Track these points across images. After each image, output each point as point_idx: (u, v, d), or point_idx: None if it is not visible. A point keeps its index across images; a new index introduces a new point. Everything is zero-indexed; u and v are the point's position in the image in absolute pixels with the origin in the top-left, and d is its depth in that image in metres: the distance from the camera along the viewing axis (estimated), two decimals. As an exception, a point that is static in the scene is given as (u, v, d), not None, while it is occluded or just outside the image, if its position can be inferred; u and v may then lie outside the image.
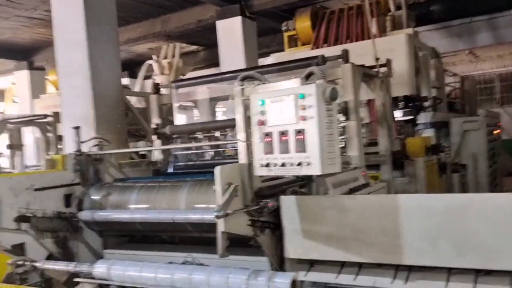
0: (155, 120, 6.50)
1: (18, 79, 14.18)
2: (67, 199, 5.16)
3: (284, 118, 3.08)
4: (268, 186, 3.66)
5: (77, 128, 5.46)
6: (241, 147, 3.42)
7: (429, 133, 8.59)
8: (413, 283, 3.19)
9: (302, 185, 4.08)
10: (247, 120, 3.37)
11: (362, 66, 5.66)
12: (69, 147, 5.76)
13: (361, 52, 7.02)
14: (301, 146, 3.02)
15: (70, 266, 4.35)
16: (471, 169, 8.37)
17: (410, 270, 3.27)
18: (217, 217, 3.09)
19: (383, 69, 6.07)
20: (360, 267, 3.45)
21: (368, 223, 3.26)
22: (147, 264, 4.22)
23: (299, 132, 3.02)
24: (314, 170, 3.00)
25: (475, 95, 14.03)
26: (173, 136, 6.28)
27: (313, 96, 2.95)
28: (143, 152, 7.48)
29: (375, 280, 3.31)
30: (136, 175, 5.87)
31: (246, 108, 3.36)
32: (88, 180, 5.31)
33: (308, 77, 3.21)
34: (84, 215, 4.88)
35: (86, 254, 5.25)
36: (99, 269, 4.37)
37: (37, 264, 4.48)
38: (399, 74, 7.72)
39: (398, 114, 8.22)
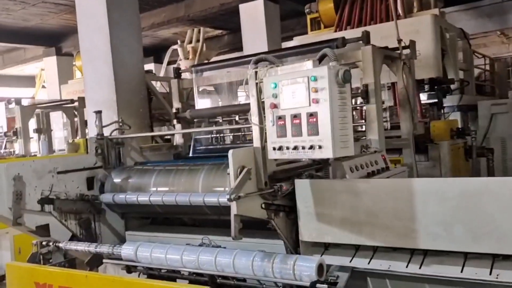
0: (176, 105, 6.56)
1: (47, 65, 14.49)
2: (90, 182, 5.27)
3: (296, 101, 3.06)
4: (282, 170, 3.65)
5: (98, 112, 5.55)
6: (255, 131, 3.41)
7: (456, 116, 8.40)
8: (428, 268, 3.16)
9: (318, 169, 4.06)
10: (261, 103, 3.36)
11: (384, 48, 5.55)
12: (92, 131, 5.86)
13: (386, 34, 6.90)
14: (313, 129, 2.99)
15: (91, 247, 4.45)
16: (498, 153, 8.14)
17: (426, 254, 3.23)
18: (229, 200, 3.10)
19: (405, 51, 5.92)
20: (375, 251, 3.43)
21: (382, 207, 3.23)
22: (173, 247, 4.14)
23: (311, 115, 2.99)
24: (326, 153, 2.97)
25: (506, 78, 13.60)
26: (194, 120, 6.34)
27: (325, 78, 2.91)
28: (167, 137, 7.58)
29: (390, 264, 3.28)
30: (157, 159, 5.95)
31: (260, 91, 3.34)
32: (109, 163, 5.41)
33: (321, 59, 3.17)
34: (105, 197, 4.98)
35: (108, 236, 5.38)
36: (126, 250, 4.35)
37: (60, 245, 4.61)
38: (424, 56, 7.56)
39: (423, 97, 8.07)
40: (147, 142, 6.73)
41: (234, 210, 3.24)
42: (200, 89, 6.60)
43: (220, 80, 5.92)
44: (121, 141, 5.54)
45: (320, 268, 3.22)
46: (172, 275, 4.19)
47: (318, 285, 3.16)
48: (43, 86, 16.18)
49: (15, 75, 20.13)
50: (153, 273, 4.28)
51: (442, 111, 7.93)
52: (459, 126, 7.17)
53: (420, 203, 3.08)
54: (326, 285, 3.16)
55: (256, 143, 3.40)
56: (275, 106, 3.17)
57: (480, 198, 2.87)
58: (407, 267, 3.20)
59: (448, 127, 6.86)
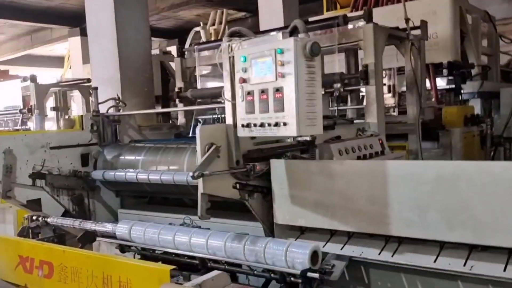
0: (178, 84, 6.48)
1: (72, 45, 14.69)
2: (84, 158, 5.27)
3: (264, 76, 2.90)
4: (258, 149, 3.51)
5: (94, 88, 5.53)
6: (227, 107, 3.27)
7: (476, 103, 7.99)
8: (401, 256, 2.97)
9: (305, 150, 3.90)
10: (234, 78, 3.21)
11: (391, 28, 5.29)
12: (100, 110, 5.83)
13: (402, 15, 6.56)
14: (279, 105, 2.83)
15: (76, 223, 4.43)
16: (519, 143, 7.70)
17: (401, 242, 3.04)
18: (193, 177, 2.99)
19: (415, 32, 5.62)
20: (350, 237, 3.26)
21: (356, 191, 3.05)
22: (167, 227, 3.92)
23: (277, 90, 2.83)
24: (290, 131, 2.81)
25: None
26: (197, 100, 6.24)
27: (291, 51, 2.74)
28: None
29: (362, 251, 3.11)
30: (157, 138, 5.90)
31: (233, 65, 3.19)
32: (105, 141, 5.39)
33: (292, 32, 2.98)
34: (96, 174, 4.96)
35: (102, 213, 5.38)
36: (120, 229, 4.09)
37: (48, 220, 4.62)
38: (442, 38, 7.20)
39: (442, 83, 7.71)
40: (151, 122, 6.70)
41: (200, 188, 3.13)
42: (204, 72, 6.51)
43: (220, 59, 5.77)
44: (117, 118, 5.50)
45: (315, 255, 2.99)
46: (165, 257, 3.88)
47: (309, 273, 2.93)
48: (71, 67, 16.44)
49: (46, 55, 20.56)
50: (145, 254, 4.04)
51: (460, 97, 7.54)
52: (475, 113, 6.78)
53: (394, 187, 2.88)
54: (318, 274, 2.92)
55: (228, 120, 3.27)
56: (244, 80, 3.02)
57: (456, 183, 2.66)
58: (379, 254, 3.02)
59: (461, 113, 6.52)
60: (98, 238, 4.64)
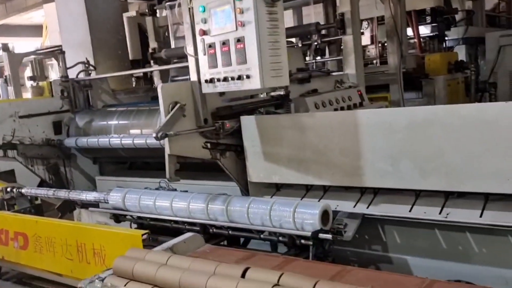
0: (152, 44, 6.25)
1: (47, 12, 14.15)
2: (57, 126, 5.11)
3: (224, 26, 2.72)
4: (228, 106, 3.36)
5: (61, 52, 5.31)
6: (191, 63, 3.10)
7: (461, 50, 7.82)
8: (376, 207, 2.89)
9: (279, 105, 3.76)
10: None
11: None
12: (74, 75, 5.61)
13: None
14: (241, 57, 2.67)
15: (50, 192, 4.32)
16: (506, 89, 7.58)
17: (376, 193, 2.96)
18: (156, 138, 2.85)
19: (393, -24, 5.40)
20: (325, 191, 3.17)
21: (328, 143, 2.93)
22: (163, 193, 3.62)
23: (239, 40, 2.66)
24: (254, 83, 2.66)
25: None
26: (172, 60, 6.02)
27: (250, -3, 2.55)
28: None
29: (337, 204, 3.02)
30: (133, 102, 5.72)
31: (193, 17, 3.00)
32: (77, 107, 5.21)
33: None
34: (69, 141, 4.82)
35: (80, 181, 5.27)
36: (113, 197, 3.80)
37: (23, 190, 4.49)
38: (424, -17, 6.96)
39: (426, 30, 7.50)
40: (127, 86, 6.50)
41: (167, 149, 3.00)
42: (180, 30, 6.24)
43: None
44: (88, 83, 5.30)
45: (325, 215, 2.76)
46: (163, 224, 3.58)
47: (321, 234, 2.71)
48: (48, 35, 15.94)
49: (24, 25, 19.91)
50: (142, 222, 3.72)
51: (444, 44, 7.36)
52: (459, 60, 6.62)
53: (366, 137, 2.77)
54: (331, 235, 2.71)
55: (193, 76, 3.10)
56: (204, 32, 2.85)
57: (428, 129, 2.55)
58: (354, 207, 2.94)
59: (445, 60, 6.36)
60: (91, 209, 4.47)
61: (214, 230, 3.24)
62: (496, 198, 2.56)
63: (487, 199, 2.57)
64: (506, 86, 7.67)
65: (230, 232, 3.16)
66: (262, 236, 3.02)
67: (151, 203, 3.55)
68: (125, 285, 2.32)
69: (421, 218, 2.69)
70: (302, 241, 2.79)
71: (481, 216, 2.51)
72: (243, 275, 2.14)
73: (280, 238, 2.91)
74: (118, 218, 3.87)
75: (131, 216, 3.75)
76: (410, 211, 2.74)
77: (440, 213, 2.64)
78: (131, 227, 3.82)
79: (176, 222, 3.46)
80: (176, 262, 2.35)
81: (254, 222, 2.99)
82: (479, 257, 2.65)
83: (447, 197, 2.70)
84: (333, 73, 4.83)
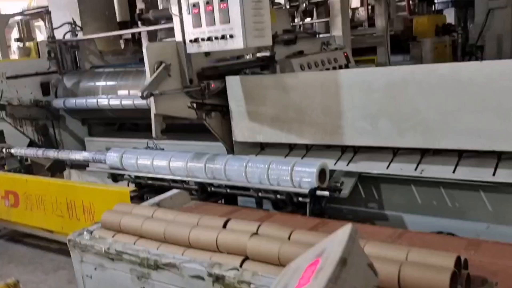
0: (139, 5, 6.17)
1: (33, -28, 13.83)
2: (45, 87, 5.12)
3: (208, -15, 2.74)
4: (214, 67, 3.41)
5: (48, 13, 5.26)
6: (176, 22, 3.12)
7: (450, 12, 7.82)
8: (356, 164, 3.00)
9: (264, 66, 3.80)
10: (181, -10, 3.03)
11: None
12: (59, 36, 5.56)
13: None
14: (225, 16, 2.71)
15: (40, 152, 4.38)
16: (493, 52, 7.63)
17: (356, 151, 3.06)
18: (141, 97, 2.91)
19: None
20: (308, 150, 3.27)
21: (310, 103, 3.01)
22: (160, 153, 3.59)
23: (222, 0, 2.69)
24: (237, 43, 2.71)
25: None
26: (160, 21, 5.97)
27: (234, -46, 2.56)
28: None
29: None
30: (121, 63, 5.72)
31: (179, -24, 3.00)
32: (65, 68, 5.21)
33: None
34: (57, 102, 4.85)
35: (69, 142, 5.33)
36: (110, 157, 3.78)
37: (12, 151, 4.56)
38: None
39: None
40: (115, 47, 6.46)
41: (153, 109, 3.06)
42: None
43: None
44: (75, 44, 5.29)
45: (322, 173, 2.81)
46: (161, 184, 3.57)
47: (319, 191, 2.76)
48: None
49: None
50: (139, 182, 3.69)
51: (433, 7, 7.36)
52: (447, 22, 6.64)
53: (346, 96, 2.85)
54: (328, 192, 2.76)
55: (178, 36, 3.13)
56: (188, -8, 2.86)
57: (406, 88, 2.62)
58: (335, 164, 3.04)
59: (432, 23, 6.38)
60: (88, 168, 4.46)
61: (213, 189, 3.27)
62: (469, 155, 2.67)
63: (460, 156, 2.67)
64: (493, 49, 7.71)
65: (228, 190, 3.20)
66: (260, 194, 3.05)
67: (149, 162, 3.55)
68: (112, 237, 2.42)
69: (398, 175, 2.80)
70: (300, 198, 2.85)
71: (454, 171, 2.62)
72: (224, 226, 2.25)
73: (278, 196, 2.96)
74: (116, 177, 3.87)
75: (129, 175, 3.74)
76: (387, 168, 2.84)
77: (415, 169, 2.75)
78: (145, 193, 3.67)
79: (174, 181, 3.47)
80: (161, 215, 2.46)
81: (252, 181, 3.03)
82: (451, 211, 2.78)
83: (423, 154, 2.81)
84: (320, 35, 4.85)
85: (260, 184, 3.00)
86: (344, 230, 0.87)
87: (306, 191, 2.77)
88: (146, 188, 3.68)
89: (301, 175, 2.81)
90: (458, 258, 1.66)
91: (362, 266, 0.83)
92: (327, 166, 2.84)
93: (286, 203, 2.95)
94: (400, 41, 6.32)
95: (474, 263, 1.89)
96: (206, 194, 3.31)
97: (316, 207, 2.81)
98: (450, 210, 2.78)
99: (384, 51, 5.58)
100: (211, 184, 3.26)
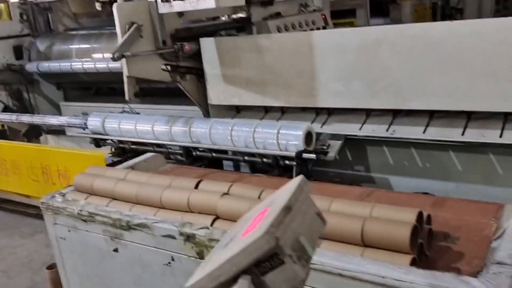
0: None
1: None
2: (18, 51, 5.01)
3: None
4: (187, 28, 3.35)
5: (17, -27, 5.09)
6: (147, -19, 3.04)
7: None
8: (329, 126, 3.02)
9: (240, 28, 3.75)
10: None
11: None
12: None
13: None
14: (196, -25, 2.64)
15: (13, 117, 4.32)
16: (473, 14, 7.62)
17: (330, 113, 3.07)
18: (113, 59, 2.86)
19: None
20: (283, 112, 3.28)
21: (285, 65, 2.99)
22: (144, 117, 3.52)
23: (193, -43, 2.62)
24: (209, 2, 2.66)
25: None
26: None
27: None
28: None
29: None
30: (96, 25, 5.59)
31: None
32: (38, 31, 5.09)
33: None
34: (30, 66, 4.75)
35: (45, 107, 5.26)
36: (92, 122, 3.69)
37: (-15, 116, 4.48)
38: None
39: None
40: (90, 9, 6.29)
41: (125, 71, 3.02)
42: None
43: None
44: (48, 6, 5.14)
45: (309, 136, 2.80)
46: (146, 148, 3.47)
47: (305, 155, 2.75)
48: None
49: None
50: (123, 147, 3.65)
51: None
52: (427, -16, 6.60)
53: (320, 58, 2.84)
54: (315, 155, 2.74)
55: (150, -4, 3.05)
56: None
57: (378, 49, 2.62)
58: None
59: (412, -15, 6.33)
60: (69, 133, 4.43)
61: (198, 153, 3.25)
62: (440, 115, 2.71)
63: (431, 116, 2.71)
64: (474, 12, 7.70)
65: (213, 154, 3.17)
66: (246, 158, 3.03)
67: (132, 127, 3.49)
68: (85, 199, 2.43)
69: (370, 136, 2.83)
70: (286, 162, 2.83)
71: (424, 132, 2.66)
72: (196, 187, 2.27)
73: (264, 160, 2.94)
74: (98, 142, 3.78)
75: (111, 140, 3.68)
76: (360, 129, 2.87)
77: (387, 130, 2.78)
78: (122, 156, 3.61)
79: (159, 145, 3.44)
80: (134, 177, 2.46)
81: (237, 144, 3.00)
82: (422, 171, 2.83)
83: (395, 115, 2.83)
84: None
85: (246, 147, 2.97)
86: (294, 181, 0.88)
87: (293, 154, 2.76)
88: (129, 154, 3.62)
89: (287, 138, 2.80)
90: (420, 214, 1.70)
91: (310, 214, 0.85)
92: (313, 128, 2.83)
93: (273, 166, 2.94)
94: (380, 3, 6.28)
95: (438, 219, 1.95)
96: (192, 158, 3.28)
97: (303, 170, 2.80)
98: (421, 170, 2.83)
99: (364, 13, 5.54)
100: (196, 148, 3.23)
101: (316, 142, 2.86)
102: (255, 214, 0.87)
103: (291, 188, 0.84)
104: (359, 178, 3.03)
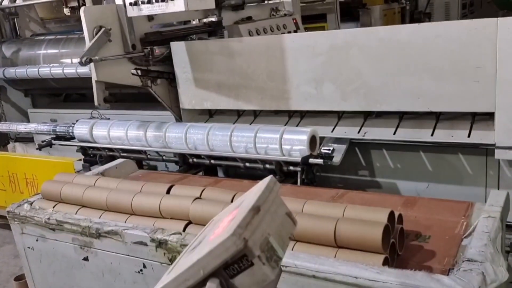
0: (82, -30, 5.90)
1: None
2: (-17, 57, 4.87)
3: None
4: (158, 32, 3.32)
5: (-20, -23, 4.95)
6: (116, -16, 3.00)
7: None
8: (302, 130, 3.01)
9: (212, 32, 3.73)
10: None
11: None
12: None
13: None
14: (165, -22, 2.62)
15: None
16: (441, 19, 7.80)
17: (303, 116, 3.08)
18: (81, 63, 2.80)
19: None
20: (256, 115, 3.27)
21: (256, 68, 2.99)
22: (135, 123, 3.30)
23: (161, -41, 2.60)
24: (178, 6, 2.63)
25: None
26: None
27: None
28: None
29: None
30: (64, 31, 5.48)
31: None
32: (3, 37, 4.96)
33: None
34: (-5, 73, 4.61)
35: (13, 114, 5.11)
36: (79, 129, 3.52)
37: (-51, 124, 4.33)
38: None
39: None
40: (58, 14, 6.18)
41: (94, 75, 2.96)
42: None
43: None
44: (14, 11, 5.02)
45: (313, 140, 2.69)
46: (138, 156, 3.34)
47: (312, 160, 2.65)
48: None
49: None
50: (113, 155, 3.42)
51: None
52: (396, -11, 6.71)
53: (291, 61, 2.84)
54: (322, 160, 2.65)
55: (119, -2, 3.01)
56: (126, -50, 2.74)
57: (348, 52, 2.64)
58: (282, 130, 3.04)
59: (382, -11, 6.43)
60: (56, 142, 4.16)
61: (194, 160, 3.11)
62: (409, 117, 2.74)
63: (401, 118, 2.74)
64: (441, 16, 7.89)
65: (211, 161, 3.03)
66: (247, 165, 2.90)
67: (123, 134, 3.29)
68: (53, 207, 2.36)
69: (343, 137, 2.84)
70: (291, 167, 2.74)
71: (394, 133, 2.69)
72: (168, 193, 2.24)
73: (267, 166, 2.82)
74: (86, 151, 3.56)
75: (102, 148, 3.46)
76: (332, 131, 2.88)
77: (358, 132, 2.80)
78: (99, 161, 3.49)
79: (139, 152, 3.30)
80: (104, 183, 2.41)
81: (237, 151, 2.87)
82: (394, 171, 2.86)
83: (366, 117, 2.86)
84: (269, 1, 4.79)
85: (246, 153, 2.85)
86: (263, 182, 0.87)
87: (298, 159, 2.66)
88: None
89: (291, 143, 2.69)
90: (392, 213, 1.71)
91: (279, 215, 0.83)
92: (317, 132, 2.74)
93: (275, 173, 2.79)
94: (350, 8, 6.35)
95: (409, 218, 1.98)
96: (188, 165, 3.16)
97: (309, 176, 2.72)
98: (392, 170, 2.86)
99: (334, 18, 5.59)
100: (192, 155, 3.10)
101: (319, 146, 2.75)
102: (224, 216, 0.85)
103: (260, 189, 0.83)
104: (331, 179, 3.04)
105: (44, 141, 3.61)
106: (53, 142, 3.63)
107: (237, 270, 0.71)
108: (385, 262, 1.57)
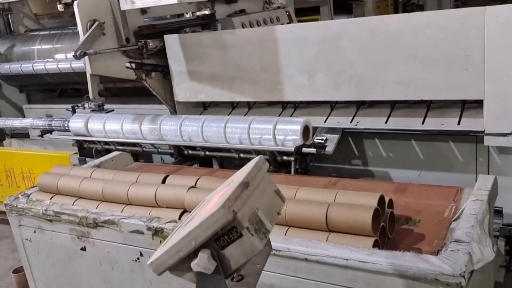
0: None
1: None
2: (-23, 53, 4.87)
3: None
4: (151, 25, 3.34)
5: (-28, -27, 4.95)
6: (109, -22, 3.02)
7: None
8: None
9: (205, 25, 3.76)
10: None
11: None
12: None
13: None
14: (157, -29, 2.64)
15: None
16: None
17: (296, 107, 3.12)
18: (75, 57, 2.83)
19: None
20: (250, 107, 3.30)
21: (249, 60, 3.02)
22: (129, 117, 3.29)
23: (154, -47, 2.62)
24: (171, -2, 2.66)
25: None
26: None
27: None
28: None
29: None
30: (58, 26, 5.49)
31: None
32: (-2, 33, 4.97)
33: None
34: (-11, 69, 4.63)
35: (7, 110, 5.13)
36: (74, 123, 3.51)
37: None
38: None
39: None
40: (52, 10, 6.17)
41: (88, 69, 2.98)
42: None
43: None
44: (8, 7, 5.02)
45: (306, 130, 2.72)
46: (134, 149, 3.34)
47: (305, 149, 2.68)
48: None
49: None
50: (109, 148, 3.41)
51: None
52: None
53: (283, 52, 2.87)
54: (315, 149, 2.67)
55: (112, -8, 3.03)
56: None
57: (339, 42, 2.68)
58: (276, 121, 3.08)
59: (374, -18, 6.46)
60: (51, 136, 4.10)
61: (189, 152, 3.12)
62: (401, 106, 2.78)
63: (393, 107, 2.78)
64: (434, 8, 7.91)
65: (206, 153, 3.06)
66: (241, 155, 2.90)
67: (118, 127, 3.30)
68: (50, 199, 2.39)
69: (335, 127, 2.88)
70: (284, 157, 2.76)
71: (386, 122, 2.72)
72: (163, 182, 2.27)
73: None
74: (82, 144, 3.56)
75: (98, 141, 3.46)
76: (325, 121, 2.92)
77: (351, 121, 2.84)
78: (95, 155, 3.48)
79: (135, 145, 3.30)
80: (100, 175, 2.44)
81: (231, 142, 2.90)
82: (386, 160, 2.91)
83: (359, 107, 2.90)
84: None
85: (240, 144, 2.87)
86: (253, 161, 0.91)
87: (292, 149, 2.69)
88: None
89: (284, 133, 2.72)
90: (382, 198, 1.75)
91: (268, 192, 0.87)
92: (310, 122, 2.77)
93: (269, 163, 2.78)
94: (344, 0, 6.38)
95: (400, 204, 2.02)
96: (183, 157, 3.18)
97: (303, 165, 2.74)
98: (384, 159, 2.91)
99: (327, 10, 5.63)
100: (187, 147, 3.11)
101: (312, 136, 2.79)
102: (215, 194, 0.89)
103: (249, 167, 0.86)
104: (324, 169, 3.08)
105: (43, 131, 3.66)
106: (52, 135, 3.68)
107: (227, 241, 0.75)
108: (375, 245, 1.61)
